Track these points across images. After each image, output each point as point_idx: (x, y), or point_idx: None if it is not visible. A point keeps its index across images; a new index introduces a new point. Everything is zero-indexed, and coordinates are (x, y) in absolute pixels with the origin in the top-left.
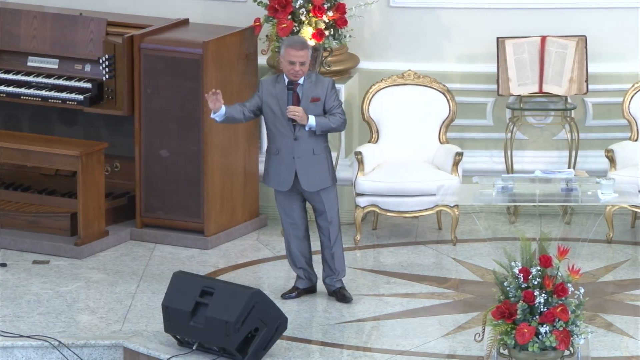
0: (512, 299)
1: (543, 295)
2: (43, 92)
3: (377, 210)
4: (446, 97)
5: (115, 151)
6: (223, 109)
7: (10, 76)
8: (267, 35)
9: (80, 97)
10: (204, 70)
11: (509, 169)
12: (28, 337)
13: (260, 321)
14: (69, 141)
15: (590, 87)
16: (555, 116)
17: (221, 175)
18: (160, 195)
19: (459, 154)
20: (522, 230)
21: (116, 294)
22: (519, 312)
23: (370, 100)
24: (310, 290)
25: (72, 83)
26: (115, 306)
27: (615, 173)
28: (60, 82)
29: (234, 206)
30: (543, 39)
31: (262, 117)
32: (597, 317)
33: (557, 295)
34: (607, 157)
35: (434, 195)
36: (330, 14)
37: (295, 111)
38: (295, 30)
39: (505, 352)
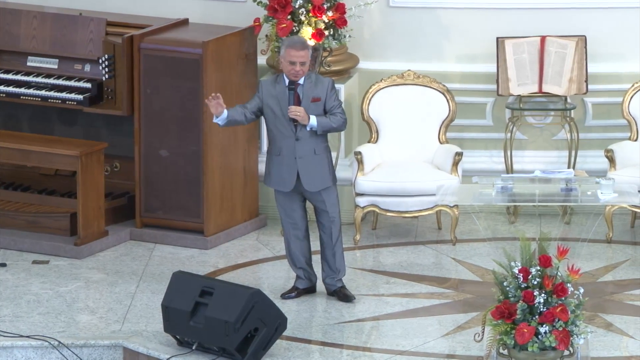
0: (512, 299)
1: (543, 295)
2: (43, 92)
3: (377, 210)
4: (446, 97)
5: (114, 151)
6: (225, 112)
7: (10, 76)
8: (266, 35)
9: (80, 97)
10: (204, 70)
11: (509, 169)
12: (28, 337)
13: (260, 321)
14: (69, 141)
15: (589, 87)
16: (554, 116)
17: (221, 175)
18: (159, 195)
19: (459, 154)
20: (522, 230)
21: (116, 294)
22: (518, 312)
23: (369, 100)
24: (310, 290)
25: (72, 83)
26: (115, 306)
27: (615, 173)
28: (60, 82)
29: (233, 206)
30: (543, 39)
31: (263, 118)
32: (597, 317)
33: (557, 295)
34: (607, 157)
35: (434, 195)
36: (329, 14)
37: (296, 111)
38: (295, 30)
39: (505, 352)
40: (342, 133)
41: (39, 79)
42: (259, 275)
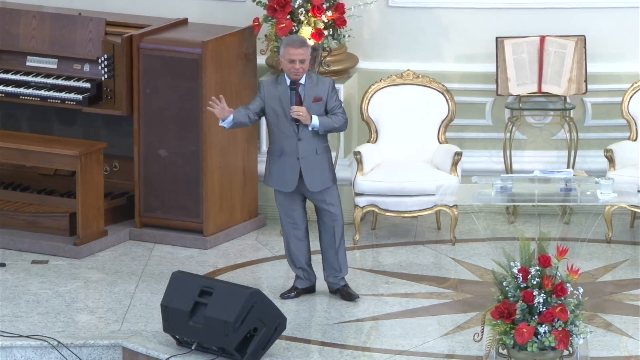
0: (511, 298)
1: (542, 295)
2: (42, 92)
3: (376, 210)
4: (445, 97)
5: (114, 151)
6: (230, 115)
7: (9, 76)
8: (266, 35)
9: (79, 97)
10: (203, 70)
11: (508, 169)
12: (27, 337)
13: (259, 321)
14: (68, 141)
15: (589, 87)
16: (554, 116)
17: (220, 175)
18: (159, 195)
19: (458, 154)
20: (521, 230)
21: (115, 293)
22: (518, 312)
23: (369, 100)
24: (310, 290)
25: (71, 83)
26: (114, 306)
27: (614, 173)
28: (59, 82)
29: (233, 206)
30: (542, 38)
31: (263, 118)
32: (596, 317)
33: (556, 295)
34: (606, 157)
35: (433, 195)
36: (329, 13)
37: (299, 111)
38: (294, 30)
39: (504, 352)
40: (342, 133)
41: (38, 79)
42: (258, 275)
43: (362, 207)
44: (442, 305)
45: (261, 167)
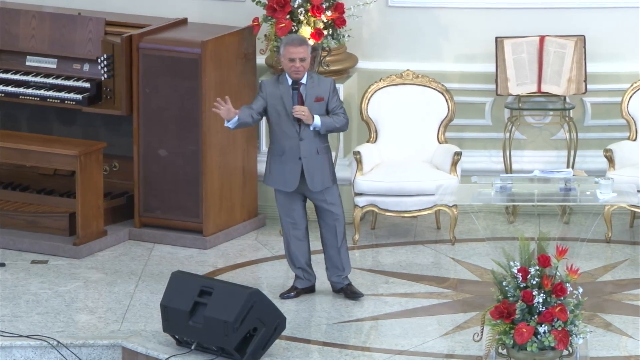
0: (511, 298)
1: (542, 295)
2: (41, 92)
3: (376, 210)
4: (445, 97)
5: (113, 151)
6: (236, 116)
7: (8, 76)
8: (265, 35)
9: (79, 96)
10: (203, 70)
11: (508, 169)
12: (27, 337)
13: (259, 321)
14: (68, 141)
15: (588, 86)
16: (553, 116)
17: (220, 175)
18: (158, 195)
19: (458, 154)
20: (521, 230)
21: (115, 293)
22: (517, 311)
23: (368, 100)
24: (309, 290)
25: (71, 83)
26: (114, 306)
27: (614, 173)
28: (59, 81)
29: (232, 206)
30: (542, 38)
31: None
32: (596, 316)
33: (556, 295)
34: (606, 156)
35: (433, 195)
36: (328, 13)
37: (301, 111)
38: (294, 30)
39: (504, 351)
40: (341, 133)
41: (38, 79)
42: (258, 275)
43: (362, 207)
44: (441, 305)
45: (261, 167)
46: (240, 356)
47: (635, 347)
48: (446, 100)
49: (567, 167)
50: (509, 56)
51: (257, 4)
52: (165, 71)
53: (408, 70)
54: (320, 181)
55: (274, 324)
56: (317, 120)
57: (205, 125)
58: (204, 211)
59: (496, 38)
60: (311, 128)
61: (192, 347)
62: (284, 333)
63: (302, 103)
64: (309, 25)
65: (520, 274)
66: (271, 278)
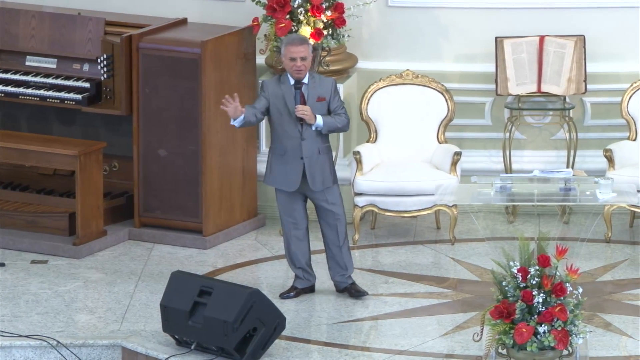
0: (511, 298)
1: (541, 294)
2: (41, 92)
3: (376, 209)
4: (445, 97)
5: (113, 151)
6: (242, 114)
7: (8, 76)
8: (265, 35)
9: (79, 96)
10: (202, 70)
11: (508, 169)
12: (26, 336)
13: (259, 321)
14: (67, 141)
15: (588, 86)
16: (553, 116)
17: (219, 174)
18: (158, 195)
19: (458, 154)
20: (521, 230)
21: (114, 293)
22: (517, 311)
23: (368, 100)
24: (309, 290)
25: (71, 83)
26: (114, 306)
27: (614, 173)
28: (59, 81)
29: (232, 206)
30: (541, 38)
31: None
32: (596, 316)
33: (556, 295)
34: (606, 156)
35: (433, 194)
36: (328, 13)
37: (304, 110)
38: (294, 30)
39: (504, 351)
40: (341, 133)
41: (38, 79)
42: (258, 275)
43: (362, 207)
44: (441, 305)
45: (260, 167)
46: (240, 356)
47: (635, 347)
48: (446, 100)
49: (567, 167)
50: (508, 56)
51: (257, 4)
52: (165, 71)
53: (408, 70)
54: (322, 181)
55: (274, 324)
56: (320, 120)
57: (205, 125)
58: (204, 211)
59: (496, 38)
60: (313, 128)
61: (192, 347)
62: (283, 333)
63: (304, 103)
64: (309, 25)
65: (520, 274)
66: (271, 278)
